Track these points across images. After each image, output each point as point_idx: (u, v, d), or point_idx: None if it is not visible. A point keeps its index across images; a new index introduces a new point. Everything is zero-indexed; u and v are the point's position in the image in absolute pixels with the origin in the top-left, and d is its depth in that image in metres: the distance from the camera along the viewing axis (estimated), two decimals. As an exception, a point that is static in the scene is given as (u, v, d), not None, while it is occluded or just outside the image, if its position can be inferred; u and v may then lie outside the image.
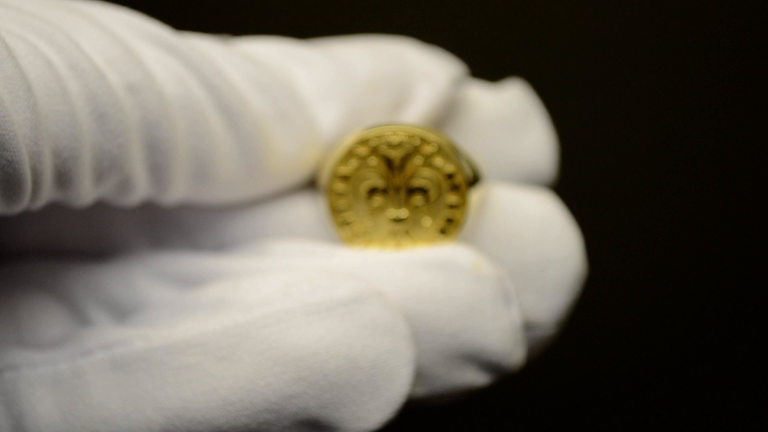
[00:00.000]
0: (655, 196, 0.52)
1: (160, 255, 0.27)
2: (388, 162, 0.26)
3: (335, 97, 0.27)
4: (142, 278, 0.27)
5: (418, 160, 0.26)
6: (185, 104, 0.25)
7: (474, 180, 0.26)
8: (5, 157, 0.22)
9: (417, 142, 0.25)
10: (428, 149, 0.26)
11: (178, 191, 0.25)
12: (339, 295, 0.24)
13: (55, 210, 0.27)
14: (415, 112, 0.28)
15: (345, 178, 0.26)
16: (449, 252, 0.26)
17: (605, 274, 0.48)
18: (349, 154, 0.26)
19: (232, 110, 0.25)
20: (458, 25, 0.50)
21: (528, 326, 0.27)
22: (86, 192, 0.24)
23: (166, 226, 0.28)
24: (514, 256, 0.27)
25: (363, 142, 0.26)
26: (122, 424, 0.24)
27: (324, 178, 0.26)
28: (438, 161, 0.26)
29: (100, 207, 0.27)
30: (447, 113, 0.29)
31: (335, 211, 0.26)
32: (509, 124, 0.30)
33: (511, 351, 0.26)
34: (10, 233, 0.28)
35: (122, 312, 0.27)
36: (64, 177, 0.23)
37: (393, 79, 0.27)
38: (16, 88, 0.22)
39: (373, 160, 0.26)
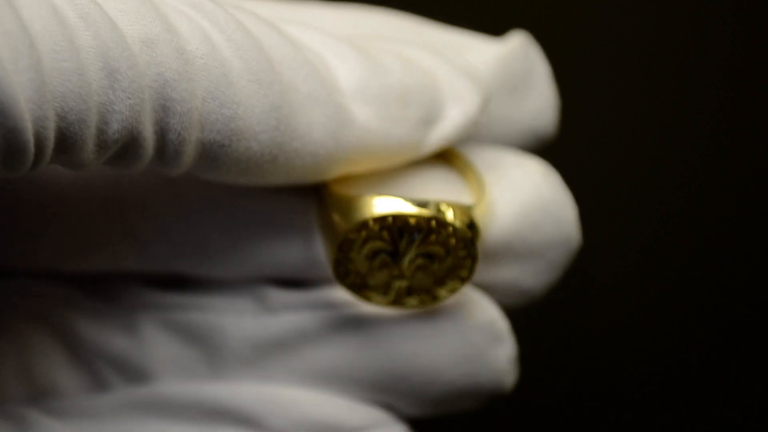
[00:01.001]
0: (654, 183, 0.52)
1: (164, 301, 0.27)
2: (401, 236, 0.25)
3: (370, 99, 0.25)
4: (149, 330, 0.27)
5: (431, 239, 0.25)
6: (208, 64, 0.23)
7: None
8: (6, 125, 0.20)
9: (432, 225, 0.25)
10: (444, 233, 0.25)
11: (187, 162, 0.23)
12: None
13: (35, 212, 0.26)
14: (442, 132, 0.26)
15: (352, 241, 0.25)
16: (443, 308, 0.26)
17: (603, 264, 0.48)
18: (362, 226, 0.25)
19: (260, 78, 0.23)
20: None
21: (520, 293, 0.28)
22: (89, 157, 0.22)
23: (152, 237, 0.27)
24: (516, 237, 0.27)
25: (379, 219, 0.25)
26: None
27: (330, 231, 0.26)
28: (451, 242, 0.25)
29: (81, 213, 0.27)
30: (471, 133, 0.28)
31: (339, 269, 0.26)
32: (512, 84, 0.29)
33: (506, 384, 0.27)
34: None
35: (130, 369, 0.27)
36: (68, 141, 0.21)
37: (423, 95, 0.26)
38: (17, 43, 0.20)
39: (385, 234, 0.25)
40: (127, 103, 0.21)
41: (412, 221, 0.25)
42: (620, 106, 0.51)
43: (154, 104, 0.22)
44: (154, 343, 0.26)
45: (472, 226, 0.25)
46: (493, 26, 0.32)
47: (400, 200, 0.25)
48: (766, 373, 0.52)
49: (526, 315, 0.29)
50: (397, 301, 0.26)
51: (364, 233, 0.25)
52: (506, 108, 0.29)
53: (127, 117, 0.21)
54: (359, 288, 0.26)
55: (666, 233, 0.52)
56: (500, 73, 0.28)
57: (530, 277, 0.27)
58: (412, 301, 0.26)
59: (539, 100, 0.29)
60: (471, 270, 0.25)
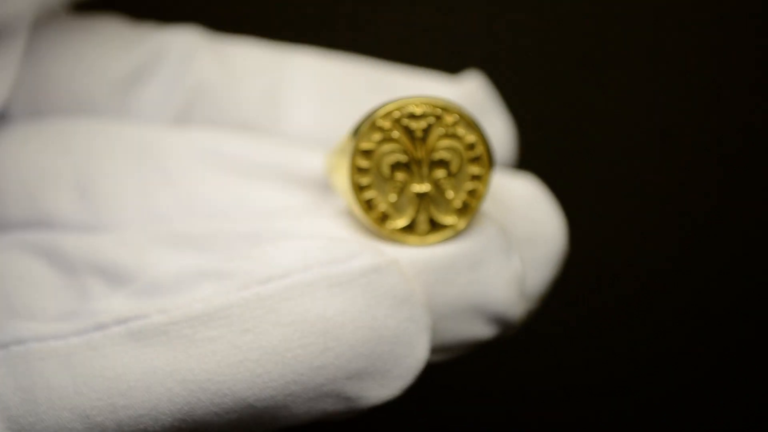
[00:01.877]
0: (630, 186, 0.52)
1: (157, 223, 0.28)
2: (410, 134, 0.26)
3: None
4: (141, 239, 0.27)
5: (440, 131, 0.26)
6: None
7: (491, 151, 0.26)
8: None
9: (438, 113, 0.25)
10: (450, 119, 0.26)
11: None
12: (358, 266, 0.24)
13: None
14: None
15: (368, 153, 0.26)
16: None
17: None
18: (372, 127, 0.26)
19: None
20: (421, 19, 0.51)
21: None
22: None
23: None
24: (507, 220, 0.28)
25: (386, 115, 0.25)
26: (142, 397, 0.24)
27: (345, 157, 0.26)
28: (460, 131, 0.26)
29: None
30: None
31: (358, 188, 0.26)
32: None
33: (515, 302, 0.26)
34: None
35: (119, 276, 0.27)
36: None
37: None
38: None
39: (396, 133, 0.26)
40: None
41: (419, 110, 0.25)
42: (623, 106, 0.51)
43: None
44: (148, 250, 0.27)
45: (475, 119, 0.26)
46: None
47: (403, 98, 0.26)
48: (766, 373, 0.52)
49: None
50: (420, 229, 0.26)
51: (376, 135, 0.25)
52: None
53: None
54: (384, 219, 0.26)
55: (666, 232, 0.52)
56: None
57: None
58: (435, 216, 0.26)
59: (497, 133, 0.31)
60: (485, 169, 0.26)
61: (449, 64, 0.38)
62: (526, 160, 0.34)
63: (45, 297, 0.26)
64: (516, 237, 0.28)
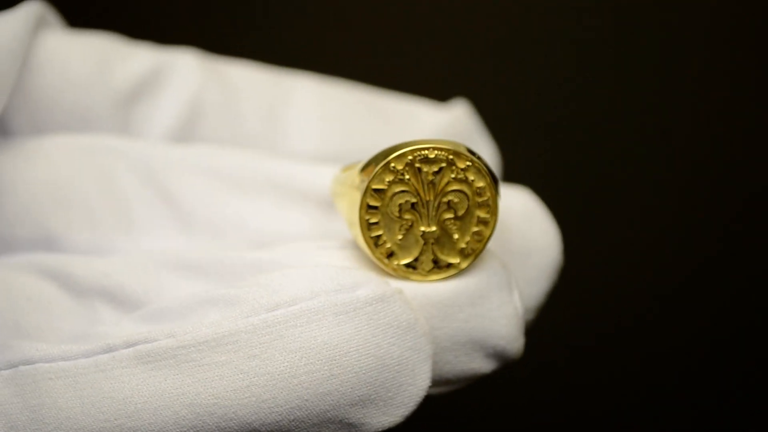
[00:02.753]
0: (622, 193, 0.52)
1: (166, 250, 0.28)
2: (422, 176, 0.26)
3: None
4: (149, 264, 0.27)
5: (450, 175, 0.26)
6: None
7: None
8: None
9: (451, 157, 0.26)
10: (461, 164, 0.26)
11: None
12: (364, 295, 0.25)
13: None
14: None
15: (379, 192, 0.26)
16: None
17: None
18: (386, 168, 0.26)
19: None
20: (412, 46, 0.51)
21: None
22: None
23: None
24: (500, 246, 0.28)
25: (400, 156, 0.26)
26: (150, 420, 0.24)
27: (354, 191, 0.27)
28: (470, 176, 0.26)
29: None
30: None
31: (367, 225, 0.26)
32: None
33: (516, 337, 0.27)
34: None
35: (127, 301, 0.27)
36: None
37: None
38: None
39: (407, 175, 0.26)
40: None
41: (432, 154, 0.26)
42: (608, 122, 0.52)
43: None
44: (156, 276, 0.27)
45: (486, 164, 0.26)
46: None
47: (417, 141, 0.26)
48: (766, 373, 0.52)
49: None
50: (423, 267, 0.26)
51: (389, 176, 0.26)
52: None
53: None
54: (390, 256, 0.26)
55: (661, 241, 0.52)
56: (448, 134, 0.32)
57: (519, 284, 0.28)
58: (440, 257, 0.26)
59: (483, 154, 0.32)
60: (492, 214, 0.26)
61: (438, 91, 0.39)
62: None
63: (54, 319, 0.27)
64: (512, 249, 0.28)
